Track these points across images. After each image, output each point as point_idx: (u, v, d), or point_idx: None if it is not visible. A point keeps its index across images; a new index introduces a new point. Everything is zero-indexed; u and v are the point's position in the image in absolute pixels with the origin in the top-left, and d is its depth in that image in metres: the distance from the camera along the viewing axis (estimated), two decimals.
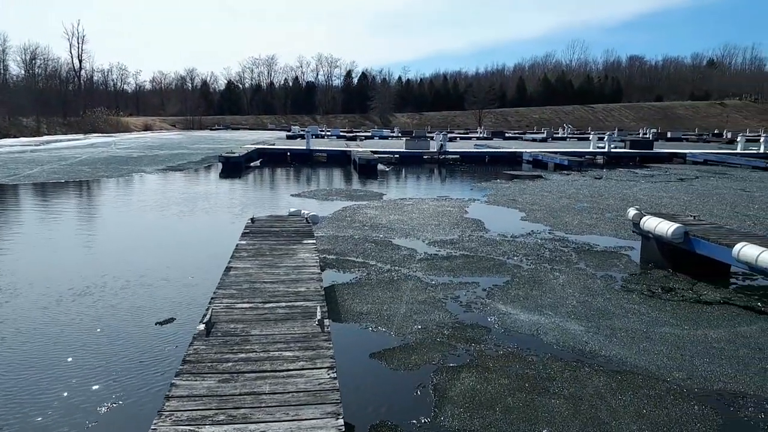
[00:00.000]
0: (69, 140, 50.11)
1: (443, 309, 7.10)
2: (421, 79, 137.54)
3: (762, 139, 39.78)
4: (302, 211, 10.14)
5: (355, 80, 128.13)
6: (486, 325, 6.59)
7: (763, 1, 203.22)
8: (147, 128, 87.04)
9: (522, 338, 6.22)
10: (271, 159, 33.53)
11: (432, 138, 42.96)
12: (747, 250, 7.38)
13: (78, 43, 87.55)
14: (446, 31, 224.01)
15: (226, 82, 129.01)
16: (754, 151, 36.35)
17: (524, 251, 10.34)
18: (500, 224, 13.02)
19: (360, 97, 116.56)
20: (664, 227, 8.96)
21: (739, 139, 42.23)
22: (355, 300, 7.37)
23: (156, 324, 6.57)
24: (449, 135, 54.32)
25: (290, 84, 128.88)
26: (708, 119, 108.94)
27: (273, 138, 55.88)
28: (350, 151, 33.79)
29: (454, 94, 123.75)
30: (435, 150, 34.49)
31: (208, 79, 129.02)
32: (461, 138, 63.76)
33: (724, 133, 71.56)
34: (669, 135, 68.06)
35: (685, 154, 35.65)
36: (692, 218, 10.20)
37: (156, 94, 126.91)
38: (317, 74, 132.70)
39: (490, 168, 30.37)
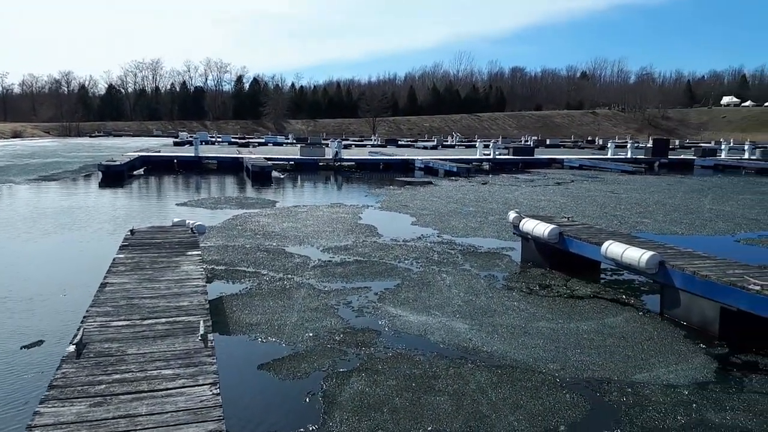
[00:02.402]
0: None
1: (335, 315, 7.12)
2: (314, 86, 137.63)
3: (629, 146, 43.72)
4: (187, 221, 9.73)
5: (247, 86, 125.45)
6: (377, 328, 6.69)
7: (628, 19, 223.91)
8: (16, 135, 79.66)
9: (411, 339, 6.38)
10: (157, 167, 31.90)
11: (327, 145, 42.99)
12: (613, 248, 8.05)
13: None
14: (338, 40, 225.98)
15: (106, 86, 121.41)
16: (622, 157, 39.81)
17: (414, 255, 10.61)
18: (392, 229, 13.28)
19: (252, 103, 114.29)
20: (541, 228, 9.56)
21: (609, 145, 46.08)
22: (245, 311, 7.20)
23: (22, 348, 6.02)
24: (344, 142, 54.56)
25: (177, 89, 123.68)
26: (582, 127, 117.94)
27: (159, 145, 53.25)
28: (242, 157, 32.97)
29: (348, 101, 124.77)
30: (330, 157, 34.51)
31: (87, 83, 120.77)
32: (356, 145, 64.24)
33: (596, 140, 77.76)
34: (548, 142, 72.87)
35: (563, 159, 38.28)
36: (566, 219, 10.98)
37: (26, 98, 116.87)
38: (206, 79, 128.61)
39: (384, 175, 30.89)
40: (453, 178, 28.42)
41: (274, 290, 8.13)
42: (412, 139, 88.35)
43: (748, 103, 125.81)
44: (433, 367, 5.58)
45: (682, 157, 42.76)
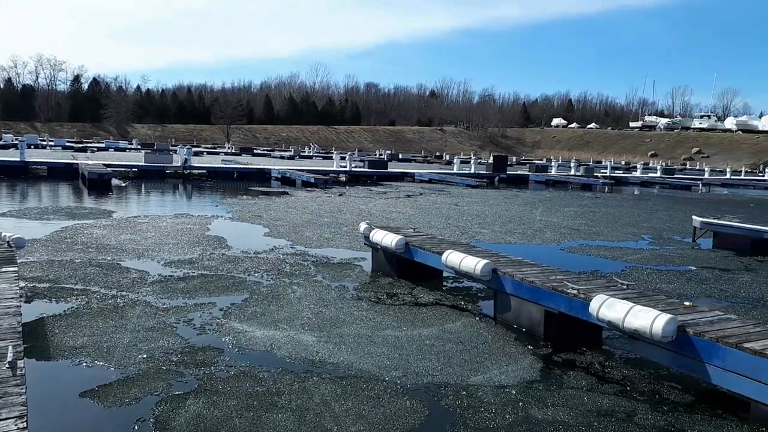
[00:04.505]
0: None
1: (174, 334, 6.69)
2: (163, 90, 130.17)
3: (472, 161, 46.82)
4: (3, 233, 8.62)
5: (86, 86, 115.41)
6: (219, 346, 6.39)
7: (472, 43, 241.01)
8: None
9: (256, 355, 6.18)
10: None
11: (175, 151, 40.85)
12: (452, 257, 8.49)
13: None
14: (189, 43, 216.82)
15: None
16: (467, 172, 42.50)
17: (265, 267, 10.37)
18: (243, 241, 12.89)
19: (92, 105, 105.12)
20: (389, 239, 9.83)
21: (455, 160, 49.05)
22: (69, 333, 6.50)
23: None
24: (196, 149, 52.35)
25: (1, 86, 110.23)
26: (431, 143, 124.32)
27: None
28: (78, 163, 30.17)
29: (201, 107, 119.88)
30: (178, 164, 32.80)
31: None
32: (209, 153, 61.94)
33: (444, 156, 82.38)
34: (401, 156, 75.76)
35: (414, 173, 39.97)
36: (412, 230, 11.42)
37: None
38: (37, 77, 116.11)
39: (238, 184, 30.05)
40: (310, 189, 28.42)
41: (105, 309, 7.45)
42: (268, 149, 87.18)
43: (573, 124, 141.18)
44: (278, 383, 5.45)
45: (518, 172, 46.69)
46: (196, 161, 35.66)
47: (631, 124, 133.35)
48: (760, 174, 69.53)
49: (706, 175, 55.85)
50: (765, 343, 5.07)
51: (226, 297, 8.38)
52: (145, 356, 5.95)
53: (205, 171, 33.87)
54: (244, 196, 23.38)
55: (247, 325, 7.16)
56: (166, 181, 30.08)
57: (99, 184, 24.19)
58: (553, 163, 53.88)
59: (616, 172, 54.92)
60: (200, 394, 5.13)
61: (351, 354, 6.33)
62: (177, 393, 5.13)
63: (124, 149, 62.45)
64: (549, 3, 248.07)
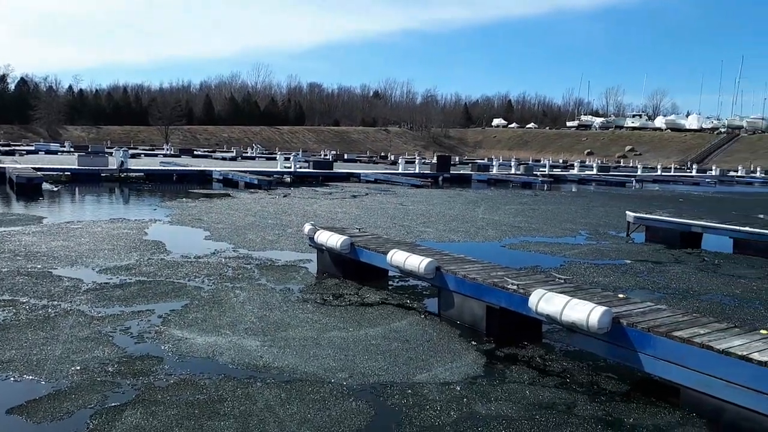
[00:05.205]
0: None
1: (110, 343, 6.43)
2: (97, 90, 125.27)
3: (417, 161, 47.31)
4: None
5: (12, 86, 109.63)
6: (158, 354, 6.19)
7: (414, 44, 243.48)
8: None
9: (197, 363, 6.01)
10: None
11: (111, 154, 39.40)
12: (397, 256, 8.53)
13: None
14: (124, 42, 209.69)
15: None
16: (411, 172, 42.85)
17: (206, 271, 10.12)
18: (183, 245, 12.55)
19: (20, 106, 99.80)
20: (334, 240, 9.79)
21: (400, 161, 49.39)
22: None
23: None
24: (133, 151, 50.64)
25: None
26: (376, 143, 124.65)
27: None
28: (5, 167, 28.67)
29: (138, 108, 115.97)
30: (114, 167, 31.63)
31: None
32: (146, 155, 60.03)
33: (388, 156, 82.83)
34: (346, 156, 75.66)
35: (359, 174, 39.95)
36: (358, 230, 11.41)
37: None
38: None
39: (178, 187, 29.28)
40: (253, 190, 27.98)
41: (35, 320, 7.08)
42: (209, 150, 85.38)
43: (513, 125, 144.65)
44: (220, 390, 5.32)
45: (461, 172, 47.37)
46: (133, 164, 34.55)
47: (568, 124, 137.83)
48: (687, 170, 73.29)
49: (639, 172, 58.49)
50: (692, 331, 5.33)
51: (165, 303, 8.12)
52: (78, 368, 5.68)
53: (142, 174, 32.86)
54: (184, 199, 22.77)
55: (188, 331, 6.96)
56: (102, 184, 28.99)
57: (28, 189, 23.05)
58: (494, 163, 55.06)
59: (555, 170, 56.65)
60: (138, 404, 4.94)
61: (296, 357, 6.26)
62: (113, 405, 4.93)
63: (55, 152, 59.69)
64: (489, 5, 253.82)
